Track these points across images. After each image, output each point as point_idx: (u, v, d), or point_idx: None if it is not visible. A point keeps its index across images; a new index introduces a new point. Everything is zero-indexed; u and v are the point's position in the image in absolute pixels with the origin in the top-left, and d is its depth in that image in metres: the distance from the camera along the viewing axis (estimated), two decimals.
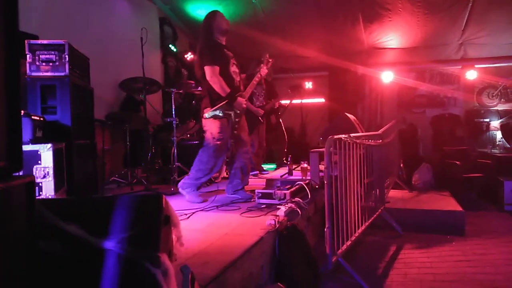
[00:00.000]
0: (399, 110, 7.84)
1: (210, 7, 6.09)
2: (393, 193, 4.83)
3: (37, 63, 3.19)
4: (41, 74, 3.20)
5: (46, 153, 2.72)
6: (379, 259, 3.28)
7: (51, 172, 2.73)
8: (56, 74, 3.21)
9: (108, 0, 5.40)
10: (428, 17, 6.02)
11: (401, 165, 5.55)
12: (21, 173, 1.00)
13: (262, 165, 5.76)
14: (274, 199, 3.30)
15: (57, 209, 1.29)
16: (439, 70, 7.73)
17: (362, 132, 4.51)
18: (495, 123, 7.34)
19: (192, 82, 5.07)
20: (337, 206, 2.76)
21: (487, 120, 7.42)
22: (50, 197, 2.70)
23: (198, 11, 6.28)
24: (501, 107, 7.43)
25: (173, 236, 1.56)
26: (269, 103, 5.66)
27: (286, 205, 3.02)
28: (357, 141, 3.20)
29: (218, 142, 3.58)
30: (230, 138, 3.62)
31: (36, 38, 3.39)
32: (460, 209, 4.11)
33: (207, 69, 3.49)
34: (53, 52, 3.21)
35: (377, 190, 3.83)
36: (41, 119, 3.03)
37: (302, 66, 7.87)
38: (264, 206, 3.28)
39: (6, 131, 0.91)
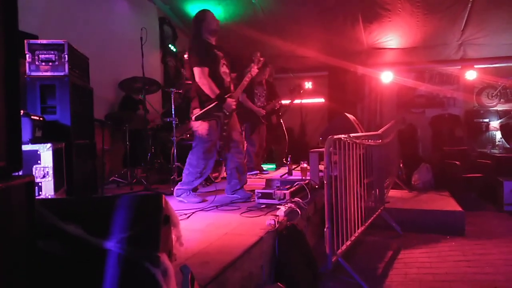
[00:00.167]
0: (398, 110, 7.84)
1: (210, 7, 6.08)
2: (392, 193, 4.83)
3: (37, 62, 3.19)
4: (40, 74, 3.20)
5: (45, 153, 2.72)
6: (378, 259, 3.28)
7: (50, 172, 2.73)
8: (56, 74, 3.21)
9: (107, 0, 5.40)
10: (427, 18, 6.03)
11: (401, 165, 5.55)
12: (20, 173, 1.00)
13: (262, 165, 5.76)
14: (274, 199, 3.30)
15: (56, 209, 1.29)
16: (439, 70, 7.74)
17: (362, 132, 4.51)
18: (495, 123, 7.35)
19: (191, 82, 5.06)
20: (336, 206, 2.76)
21: (487, 120, 7.43)
22: (49, 197, 2.70)
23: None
24: (500, 107, 7.43)
25: (173, 236, 1.56)
26: (270, 103, 5.67)
27: (286, 205, 3.02)
28: (357, 141, 3.20)
29: (207, 144, 3.56)
30: (219, 139, 3.60)
31: (36, 37, 3.39)
32: (460, 209, 4.11)
33: (196, 71, 3.46)
34: (52, 52, 3.20)
35: (377, 190, 3.83)
36: (41, 119, 3.03)
37: (302, 66, 7.87)
38: (263, 206, 3.28)
39: (5, 131, 0.91)
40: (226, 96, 3.56)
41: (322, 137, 4.62)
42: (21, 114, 1.04)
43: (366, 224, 3.44)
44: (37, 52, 3.19)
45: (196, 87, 3.54)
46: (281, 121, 6.17)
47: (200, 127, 3.55)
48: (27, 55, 3.17)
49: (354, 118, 4.83)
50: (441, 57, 7.14)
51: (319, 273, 2.70)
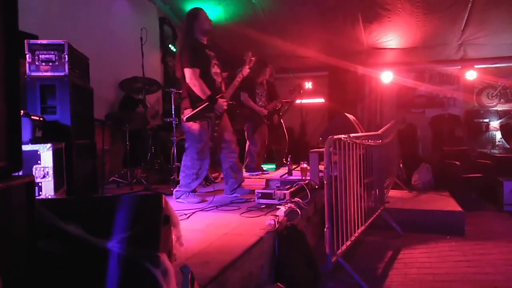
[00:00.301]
0: (398, 110, 7.84)
1: (210, 6, 6.10)
2: (392, 193, 4.83)
3: (37, 63, 3.19)
4: (40, 74, 3.20)
5: (45, 153, 2.72)
6: (378, 259, 3.28)
7: (50, 172, 2.73)
8: (56, 74, 3.21)
9: (108, 0, 5.40)
10: (427, 17, 6.03)
11: (401, 165, 5.55)
12: (20, 173, 1.00)
13: (262, 165, 5.76)
14: (274, 199, 3.30)
15: (57, 209, 1.29)
16: (439, 70, 7.74)
17: (362, 132, 4.51)
18: (495, 124, 7.35)
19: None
20: (336, 206, 2.76)
21: (487, 120, 7.43)
22: (49, 197, 2.70)
23: None
24: (500, 107, 7.44)
25: (173, 236, 1.56)
26: (271, 103, 5.69)
27: (286, 205, 3.02)
28: (357, 141, 3.20)
29: (199, 145, 3.55)
30: (211, 140, 3.59)
31: (36, 38, 3.39)
32: (460, 209, 4.11)
33: (187, 72, 3.43)
34: (52, 52, 3.20)
35: (377, 190, 3.83)
36: (41, 119, 3.03)
37: (302, 66, 7.87)
38: (263, 206, 3.28)
39: (5, 131, 0.91)
40: (217, 97, 3.55)
41: (322, 137, 4.62)
42: (21, 114, 1.04)
43: (366, 224, 3.44)
44: (37, 52, 3.19)
45: (187, 87, 3.53)
46: (281, 121, 6.17)
47: (191, 128, 3.54)
48: (27, 55, 3.17)
49: (354, 118, 4.83)
50: (441, 57, 7.14)
51: (319, 273, 2.70)
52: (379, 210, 3.89)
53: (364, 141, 3.47)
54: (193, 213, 3.13)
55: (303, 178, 4.29)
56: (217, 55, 3.75)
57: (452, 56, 7.01)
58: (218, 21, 6.42)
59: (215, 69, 3.64)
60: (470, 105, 7.62)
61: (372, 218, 3.63)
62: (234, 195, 3.80)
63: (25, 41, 3.18)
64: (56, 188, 2.77)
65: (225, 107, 3.64)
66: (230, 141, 3.80)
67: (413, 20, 6.12)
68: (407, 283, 2.81)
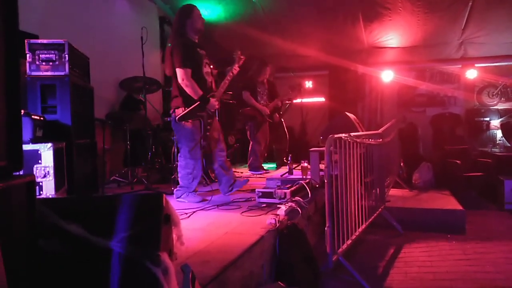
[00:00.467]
0: (399, 109, 7.83)
1: (210, 6, 6.09)
2: (393, 192, 4.83)
3: (37, 62, 3.20)
4: (41, 73, 3.20)
5: (46, 152, 2.73)
6: (379, 258, 3.28)
7: (51, 171, 2.73)
8: (56, 73, 3.21)
9: (108, 0, 5.40)
10: (428, 16, 6.02)
11: (401, 164, 5.55)
12: (21, 173, 1.00)
13: (262, 165, 5.77)
14: (275, 198, 3.30)
15: (57, 209, 1.29)
16: (439, 69, 7.72)
17: (362, 131, 4.51)
18: (495, 122, 7.33)
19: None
20: (337, 205, 2.76)
21: (487, 119, 7.42)
22: (50, 196, 2.70)
23: None
24: (501, 106, 7.42)
25: (174, 235, 1.56)
26: (272, 102, 5.70)
27: (287, 204, 3.02)
28: (357, 140, 3.20)
29: (192, 143, 3.55)
30: (203, 139, 3.58)
31: (36, 37, 3.39)
32: (461, 208, 4.11)
33: (179, 72, 3.43)
34: (53, 52, 3.21)
35: (378, 189, 3.83)
36: (41, 118, 3.03)
37: (302, 65, 7.86)
38: (264, 205, 3.28)
39: (6, 130, 0.91)
40: (208, 96, 3.56)
41: (322, 136, 4.62)
42: (22, 113, 1.04)
43: (367, 223, 3.44)
44: (37, 52, 3.19)
45: (179, 86, 3.52)
46: (282, 120, 6.18)
47: (184, 127, 3.53)
48: (27, 55, 3.17)
49: (355, 117, 4.83)
50: (442, 56, 7.12)
51: (320, 272, 2.70)
52: (380, 209, 3.89)
53: (364, 140, 3.47)
54: (194, 212, 3.13)
55: (304, 177, 4.29)
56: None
57: (453, 55, 6.99)
58: (218, 20, 6.42)
59: (207, 69, 3.65)
60: (470, 104, 7.60)
61: (373, 217, 3.63)
62: (234, 190, 3.80)
63: (26, 41, 3.18)
64: (57, 188, 2.78)
65: (217, 106, 3.66)
66: (220, 140, 3.82)
67: (414, 19, 6.10)
68: (407, 282, 2.81)
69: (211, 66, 3.80)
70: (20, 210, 0.97)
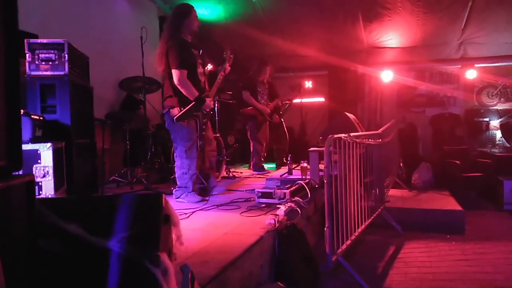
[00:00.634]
0: (398, 109, 7.83)
1: (210, 6, 6.09)
2: (392, 192, 4.83)
3: (37, 62, 3.19)
4: (40, 73, 3.20)
5: (45, 152, 2.72)
6: (379, 258, 3.28)
7: (50, 171, 2.73)
8: (56, 73, 3.21)
9: None
10: (427, 16, 6.02)
11: (401, 164, 5.55)
12: (20, 173, 1.00)
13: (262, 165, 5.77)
14: (274, 198, 3.30)
15: (57, 209, 1.29)
16: (439, 69, 7.72)
17: (362, 131, 4.51)
18: (495, 123, 7.33)
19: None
20: (336, 205, 2.76)
21: (487, 119, 7.42)
22: (50, 196, 2.70)
23: (198, 10, 6.25)
24: (500, 106, 7.42)
25: (173, 235, 1.56)
26: (273, 102, 5.70)
27: (286, 205, 3.02)
28: (357, 140, 3.20)
29: (188, 143, 3.57)
30: (200, 139, 3.60)
31: (36, 37, 3.38)
32: (460, 208, 4.11)
33: (175, 73, 3.44)
34: (52, 51, 3.20)
35: (377, 189, 3.83)
36: (41, 118, 3.03)
37: (302, 65, 7.86)
38: (264, 205, 3.28)
39: (5, 130, 0.91)
40: (203, 96, 3.59)
41: (322, 137, 4.61)
42: (21, 113, 1.04)
43: (366, 223, 3.44)
44: (37, 52, 3.19)
45: (174, 86, 3.52)
46: (282, 120, 6.18)
47: (181, 127, 3.55)
48: (27, 55, 3.16)
49: (354, 117, 4.83)
50: (441, 56, 7.13)
51: (319, 272, 2.70)
52: (379, 209, 3.89)
53: (364, 140, 3.47)
54: (193, 212, 3.13)
55: (303, 177, 4.29)
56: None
57: (452, 55, 7.00)
58: (218, 20, 6.42)
59: (200, 69, 3.69)
60: (470, 104, 7.60)
61: (372, 217, 3.63)
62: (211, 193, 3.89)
63: (25, 40, 3.18)
64: (56, 188, 2.77)
65: (212, 106, 3.73)
66: (212, 140, 3.87)
67: (413, 19, 6.11)
68: (407, 282, 2.81)
69: (206, 67, 3.84)
70: (20, 210, 0.97)
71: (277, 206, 3.03)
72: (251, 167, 5.73)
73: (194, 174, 3.68)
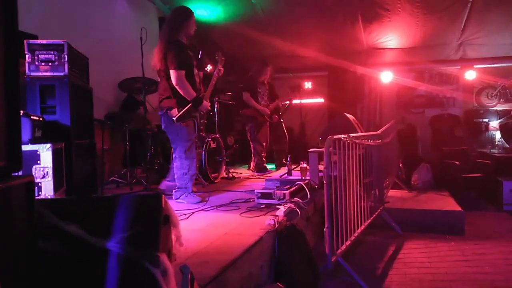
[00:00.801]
0: (398, 110, 7.84)
1: (209, 7, 6.09)
2: (392, 193, 4.83)
3: (36, 63, 3.19)
4: (40, 74, 3.20)
5: (45, 153, 2.72)
6: (378, 259, 3.28)
7: (50, 172, 2.73)
8: (55, 74, 3.21)
9: (107, 0, 5.39)
10: (427, 17, 6.02)
11: (400, 165, 5.55)
12: (20, 173, 1.00)
13: None
14: (274, 199, 3.30)
15: (56, 209, 1.29)
16: (438, 70, 7.74)
17: (361, 132, 4.52)
18: (494, 123, 7.34)
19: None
20: (336, 206, 2.76)
21: (486, 120, 7.43)
22: (49, 197, 2.70)
23: (198, 11, 6.28)
24: (500, 107, 7.43)
25: (173, 236, 1.56)
26: (273, 103, 5.71)
27: (286, 205, 3.03)
28: (357, 141, 3.20)
29: (187, 143, 3.58)
30: (198, 139, 3.65)
31: (36, 38, 3.38)
32: (459, 209, 4.11)
33: (174, 74, 3.45)
34: (52, 52, 3.20)
35: (377, 190, 3.83)
36: (40, 119, 3.03)
37: (302, 66, 7.87)
38: (263, 206, 3.28)
39: (5, 131, 0.91)
40: (200, 97, 3.63)
41: (321, 137, 4.62)
42: (21, 114, 1.04)
43: (366, 224, 3.44)
44: (36, 52, 3.19)
45: (172, 87, 3.53)
46: (282, 120, 6.19)
47: (180, 128, 3.56)
48: (27, 55, 3.16)
49: (354, 118, 4.83)
50: (441, 57, 7.14)
51: (319, 273, 2.70)
52: (379, 210, 3.89)
53: (363, 141, 3.47)
54: (193, 213, 3.13)
55: (303, 178, 4.29)
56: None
57: (452, 56, 7.01)
58: (217, 21, 6.42)
59: (195, 71, 3.72)
60: (469, 105, 7.61)
61: (372, 218, 3.64)
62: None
63: (25, 41, 3.18)
64: (56, 188, 2.77)
65: (209, 107, 3.82)
66: (203, 141, 3.90)
67: (413, 20, 6.11)
68: (406, 283, 2.81)
69: (206, 68, 3.87)
70: (19, 210, 0.97)
71: (277, 206, 3.03)
72: (252, 168, 5.73)
73: (194, 174, 3.70)
